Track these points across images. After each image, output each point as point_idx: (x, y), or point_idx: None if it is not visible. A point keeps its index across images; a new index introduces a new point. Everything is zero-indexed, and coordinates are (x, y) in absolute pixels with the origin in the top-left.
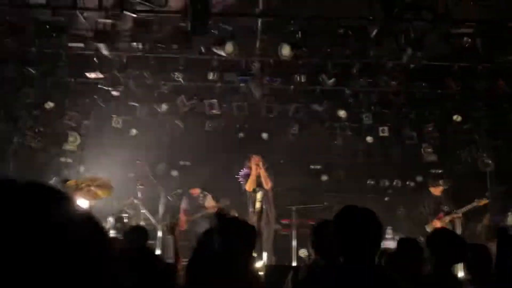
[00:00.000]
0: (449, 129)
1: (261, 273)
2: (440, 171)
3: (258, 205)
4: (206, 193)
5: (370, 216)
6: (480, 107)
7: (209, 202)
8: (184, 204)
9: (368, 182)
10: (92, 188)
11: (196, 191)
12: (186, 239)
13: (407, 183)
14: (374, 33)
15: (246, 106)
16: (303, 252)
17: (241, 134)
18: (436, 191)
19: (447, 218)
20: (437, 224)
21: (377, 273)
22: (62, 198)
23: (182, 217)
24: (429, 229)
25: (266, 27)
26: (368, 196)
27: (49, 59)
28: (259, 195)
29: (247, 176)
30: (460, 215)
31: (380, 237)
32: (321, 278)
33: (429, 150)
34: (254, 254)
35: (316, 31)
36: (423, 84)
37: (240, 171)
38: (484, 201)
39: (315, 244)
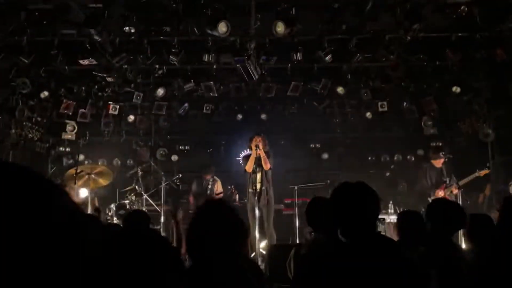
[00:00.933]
0: (449, 100)
1: (264, 252)
2: (440, 143)
3: (258, 185)
4: (216, 178)
5: (365, 188)
6: (480, 77)
7: (218, 187)
8: (194, 187)
9: (369, 158)
10: (92, 175)
11: (208, 175)
12: None
13: (408, 157)
14: (369, 6)
15: (244, 87)
16: (306, 231)
17: (239, 116)
18: (437, 163)
19: (449, 190)
20: (441, 194)
21: (377, 242)
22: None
23: (191, 200)
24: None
25: (260, 5)
26: (369, 172)
27: (42, 47)
28: (258, 176)
29: (247, 157)
30: (461, 185)
31: (377, 207)
32: (322, 253)
33: (429, 123)
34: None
35: (310, 7)
36: (421, 57)
37: (241, 153)
38: (484, 172)
39: (311, 220)
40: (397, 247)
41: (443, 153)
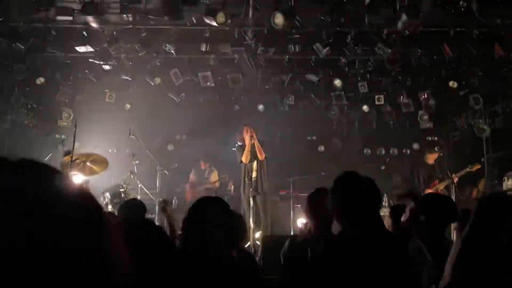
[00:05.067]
0: (445, 95)
1: (258, 243)
2: (435, 138)
3: (254, 174)
4: (212, 167)
5: (370, 183)
6: (477, 73)
7: (214, 177)
8: (192, 176)
9: (364, 151)
10: (88, 163)
11: (205, 164)
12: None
13: (404, 151)
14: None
15: (241, 78)
16: (300, 222)
17: (236, 107)
18: (431, 158)
19: (441, 185)
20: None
21: (378, 236)
22: (55, 174)
23: (188, 189)
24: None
25: None
26: (365, 165)
27: (38, 33)
28: (254, 166)
29: (241, 148)
30: (454, 180)
31: (379, 203)
32: (319, 246)
33: (425, 117)
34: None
35: None
36: (419, 51)
37: (236, 144)
38: (476, 167)
39: (310, 212)
40: (397, 241)
41: (438, 148)
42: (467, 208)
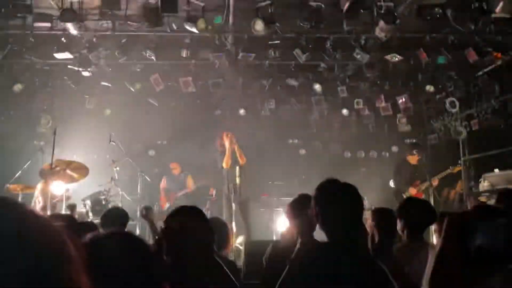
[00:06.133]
0: (423, 99)
1: (240, 247)
2: (414, 140)
3: (238, 180)
4: (186, 172)
5: (352, 190)
6: (452, 77)
7: (189, 182)
8: (163, 184)
9: (344, 154)
10: (68, 171)
11: (176, 168)
12: None
13: (383, 153)
14: (346, 6)
15: (222, 83)
16: (282, 226)
17: (217, 111)
18: (412, 160)
19: (423, 186)
20: (413, 191)
21: (360, 257)
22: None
23: (162, 197)
24: (406, 196)
25: (239, 2)
26: (345, 168)
27: (16, 40)
28: (237, 171)
29: (221, 154)
30: (435, 182)
31: (362, 211)
32: (304, 257)
33: (404, 120)
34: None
35: (288, 5)
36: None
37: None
38: (457, 168)
39: (292, 217)
40: (372, 258)
41: (417, 150)
42: (446, 211)
